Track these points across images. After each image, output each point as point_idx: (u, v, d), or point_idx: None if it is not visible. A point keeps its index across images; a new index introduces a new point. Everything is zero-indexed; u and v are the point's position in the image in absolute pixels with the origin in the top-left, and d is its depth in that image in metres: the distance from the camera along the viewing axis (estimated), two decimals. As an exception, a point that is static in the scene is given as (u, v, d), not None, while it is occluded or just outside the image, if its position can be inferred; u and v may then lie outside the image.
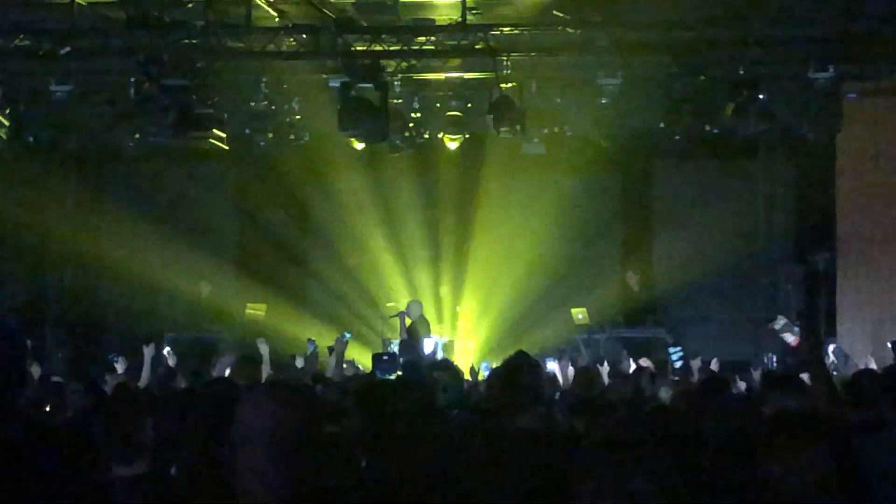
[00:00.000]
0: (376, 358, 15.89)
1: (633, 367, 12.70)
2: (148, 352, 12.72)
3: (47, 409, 8.98)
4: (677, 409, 7.37)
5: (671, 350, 15.64)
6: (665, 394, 9.54)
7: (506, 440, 5.49)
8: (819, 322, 18.65)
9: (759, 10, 14.89)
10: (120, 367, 12.72)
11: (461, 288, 20.96)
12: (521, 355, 6.01)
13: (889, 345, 14.04)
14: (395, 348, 17.56)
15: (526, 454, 5.26)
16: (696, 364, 13.19)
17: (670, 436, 6.25)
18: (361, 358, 17.39)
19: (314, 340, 15.29)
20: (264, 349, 12.34)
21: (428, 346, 17.27)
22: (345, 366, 12.59)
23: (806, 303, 19.45)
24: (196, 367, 13.00)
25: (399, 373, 13.17)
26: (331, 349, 12.02)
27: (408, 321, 17.59)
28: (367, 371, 14.97)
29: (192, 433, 5.86)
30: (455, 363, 8.51)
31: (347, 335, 12.22)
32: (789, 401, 7.46)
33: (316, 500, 3.67)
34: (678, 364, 12.29)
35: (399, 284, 20.71)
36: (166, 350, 13.62)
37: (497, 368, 6.23)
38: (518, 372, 5.78)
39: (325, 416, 6.74)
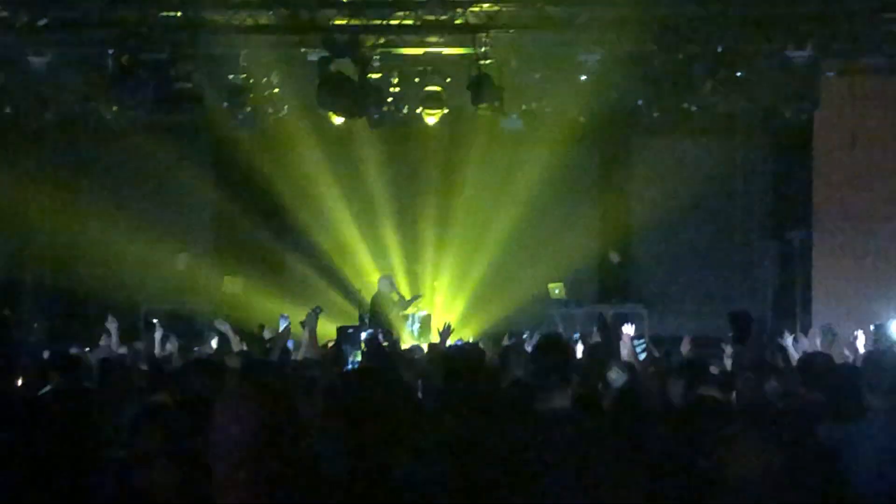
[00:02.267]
0: (341, 331, 15.83)
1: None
2: (112, 325, 12.68)
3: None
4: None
5: (636, 342, 15.74)
6: (616, 375, 9.22)
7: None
8: (794, 298, 18.77)
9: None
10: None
11: (439, 262, 20.99)
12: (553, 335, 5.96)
13: (872, 328, 14.15)
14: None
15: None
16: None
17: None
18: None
19: (287, 316, 15.13)
20: (224, 328, 12.37)
21: None
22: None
23: (781, 280, 19.56)
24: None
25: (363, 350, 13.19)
26: (303, 323, 11.84)
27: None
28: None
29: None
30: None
31: (319, 309, 11.98)
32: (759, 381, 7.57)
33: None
34: (642, 356, 12.36)
35: (376, 258, 20.73)
36: (156, 322, 13.52)
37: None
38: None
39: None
